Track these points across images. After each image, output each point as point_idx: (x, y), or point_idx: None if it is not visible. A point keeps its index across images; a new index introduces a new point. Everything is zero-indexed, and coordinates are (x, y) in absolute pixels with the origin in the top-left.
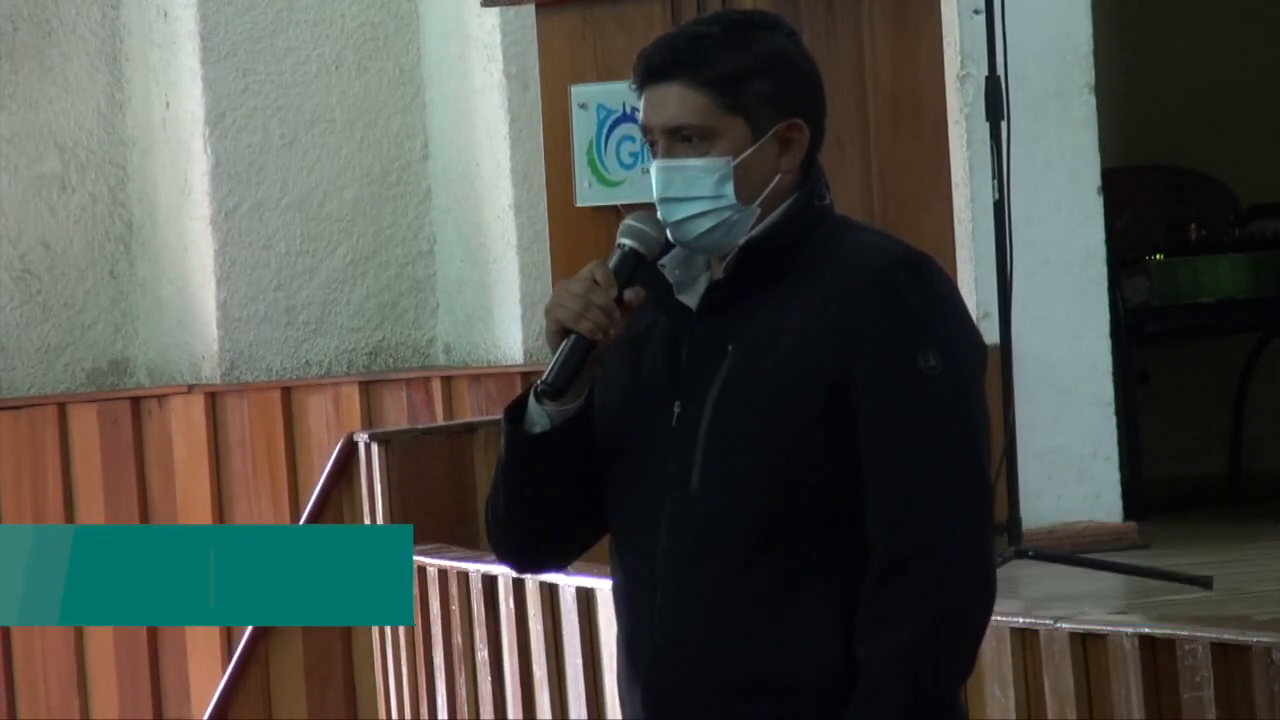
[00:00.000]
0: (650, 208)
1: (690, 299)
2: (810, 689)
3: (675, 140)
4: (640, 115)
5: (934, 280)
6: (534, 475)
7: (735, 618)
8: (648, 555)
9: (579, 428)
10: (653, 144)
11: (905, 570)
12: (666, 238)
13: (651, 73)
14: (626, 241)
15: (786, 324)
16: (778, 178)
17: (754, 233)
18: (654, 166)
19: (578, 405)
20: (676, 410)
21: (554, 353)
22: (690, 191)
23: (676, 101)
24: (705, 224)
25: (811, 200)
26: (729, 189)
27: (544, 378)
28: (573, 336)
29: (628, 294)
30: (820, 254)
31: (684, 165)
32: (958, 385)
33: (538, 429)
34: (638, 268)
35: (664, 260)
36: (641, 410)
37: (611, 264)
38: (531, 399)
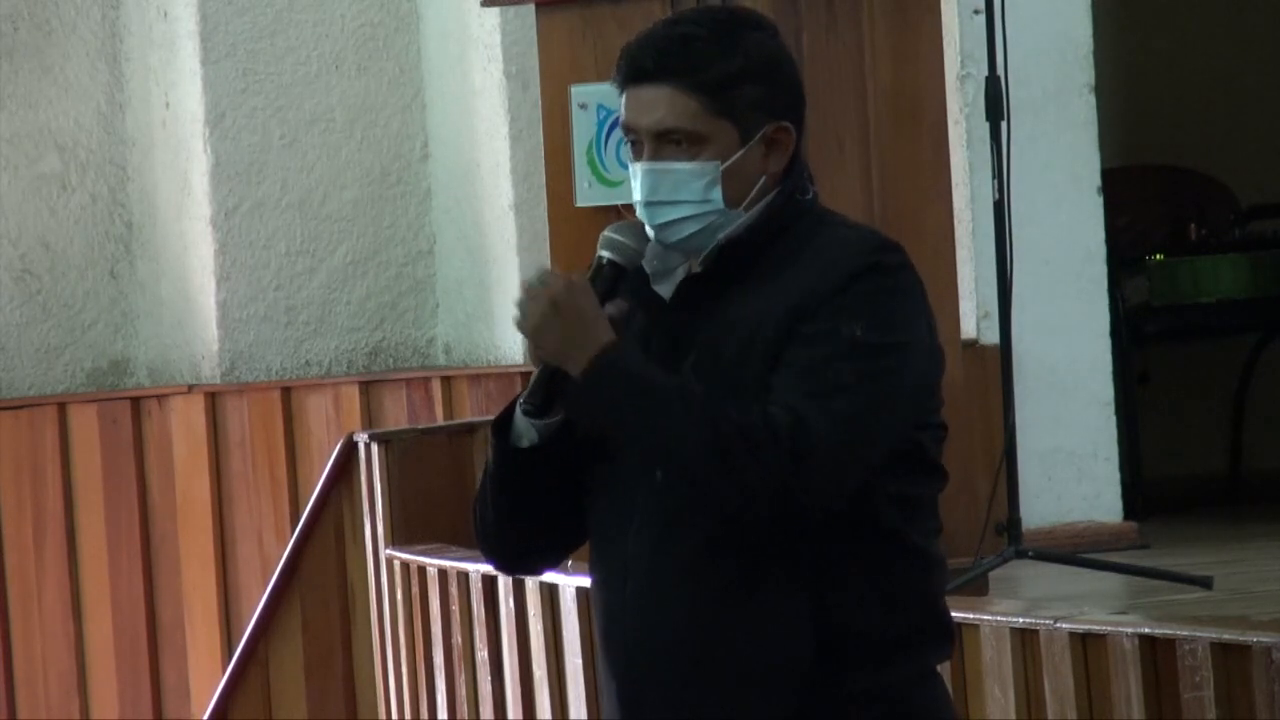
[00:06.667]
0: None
1: (665, 290)
2: (780, 678)
3: (663, 143)
4: (623, 114)
5: (898, 278)
6: (524, 486)
7: (701, 608)
8: (620, 549)
9: (566, 437)
10: (635, 143)
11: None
12: (644, 248)
13: (639, 74)
14: (605, 254)
15: (745, 316)
16: (763, 179)
17: (733, 231)
18: (639, 168)
19: (563, 416)
20: None
21: (537, 369)
22: (677, 195)
23: (666, 105)
24: (691, 228)
25: (793, 196)
26: (717, 193)
27: (527, 397)
28: None
29: (609, 309)
30: (794, 250)
31: (671, 169)
32: (884, 358)
33: (525, 442)
34: (618, 280)
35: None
36: None
37: (591, 279)
38: (518, 412)
